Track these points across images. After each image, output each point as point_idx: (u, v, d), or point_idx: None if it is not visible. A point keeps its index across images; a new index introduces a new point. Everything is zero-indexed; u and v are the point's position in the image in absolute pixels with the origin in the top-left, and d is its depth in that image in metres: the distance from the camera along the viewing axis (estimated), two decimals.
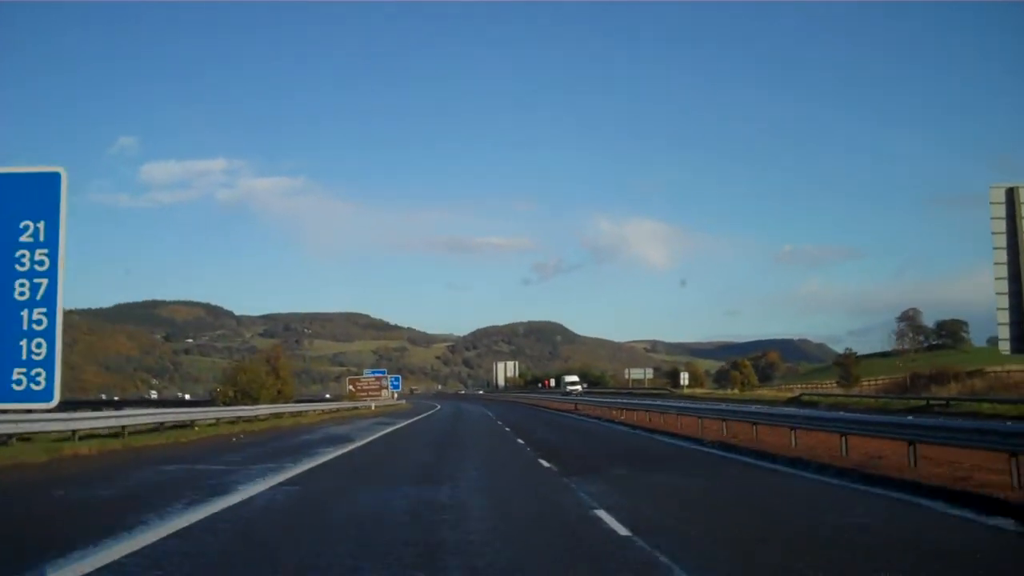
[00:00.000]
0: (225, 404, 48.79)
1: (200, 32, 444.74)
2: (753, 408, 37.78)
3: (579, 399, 68.23)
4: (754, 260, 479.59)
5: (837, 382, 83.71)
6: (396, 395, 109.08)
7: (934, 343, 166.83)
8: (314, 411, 55.06)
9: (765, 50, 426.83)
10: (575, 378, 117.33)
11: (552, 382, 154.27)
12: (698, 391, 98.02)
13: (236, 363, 59.94)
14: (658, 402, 50.40)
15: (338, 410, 63.55)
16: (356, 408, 72.31)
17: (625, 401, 54.61)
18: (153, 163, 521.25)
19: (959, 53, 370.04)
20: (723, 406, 40.41)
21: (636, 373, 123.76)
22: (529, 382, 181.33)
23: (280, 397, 55.47)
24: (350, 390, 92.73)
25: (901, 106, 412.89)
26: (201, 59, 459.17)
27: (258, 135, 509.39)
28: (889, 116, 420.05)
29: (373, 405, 79.15)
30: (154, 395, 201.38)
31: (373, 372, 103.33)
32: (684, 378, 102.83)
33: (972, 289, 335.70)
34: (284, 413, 46.66)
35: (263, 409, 43.42)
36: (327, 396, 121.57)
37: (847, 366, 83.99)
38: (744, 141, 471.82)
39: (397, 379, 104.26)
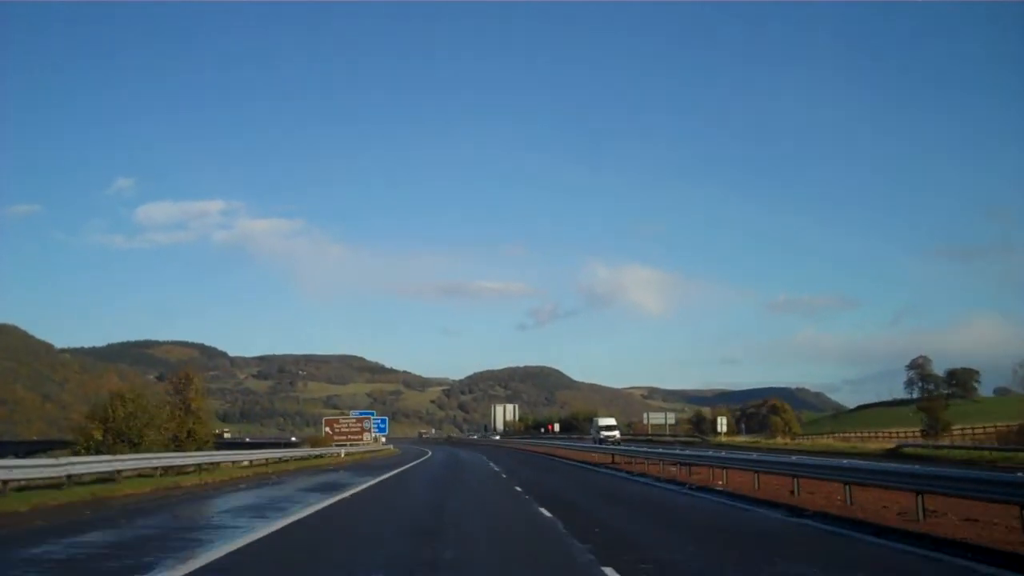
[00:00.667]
0: (86, 451, 29.48)
1: (198, 73, 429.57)
2: (893, 466, 20.59)
3: (615, 449, 48.31)
4: (749, 308, 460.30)
5: (922, 431, 64.10)
6: (384, 439, 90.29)
7: (945, 392, 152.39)
8: (236, 463, 35.24)
9: (761, 98, 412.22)
10: (612, 422, 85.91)
11: (556, 427, 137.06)
12: (738, 439, 78.79)
13: (113, 391, 39.26)
14: (731, 455, 31.35)
15: (284, 460, 43.81)
16: (319, 456, 52.97)
17: (676, 453, 35.81)
18: (150, 204, 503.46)
19: (958, 103, 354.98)
20: (842, 462, 21.94)
21: (656, 418, 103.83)
22: (531, 427, 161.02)
23: (191, 441, 36.01)
24: (326, 432, 75.27)
25: (898, 157, 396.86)
26: (200, 101, 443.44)
27: (256, 177, 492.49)
28: (885, 167, 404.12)
29: (343, 452, 59.95)
30: None
31: (361, 413, 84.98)
32: (721, 424, 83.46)
33: (971, 340, 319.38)
34: (161, 468, 27.04)
35: (108, 463, 23.67)
36: (293, 439, 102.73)
37: (933, 411, 64.53)
38: (739, 189, 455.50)
39: (383, 422, 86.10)
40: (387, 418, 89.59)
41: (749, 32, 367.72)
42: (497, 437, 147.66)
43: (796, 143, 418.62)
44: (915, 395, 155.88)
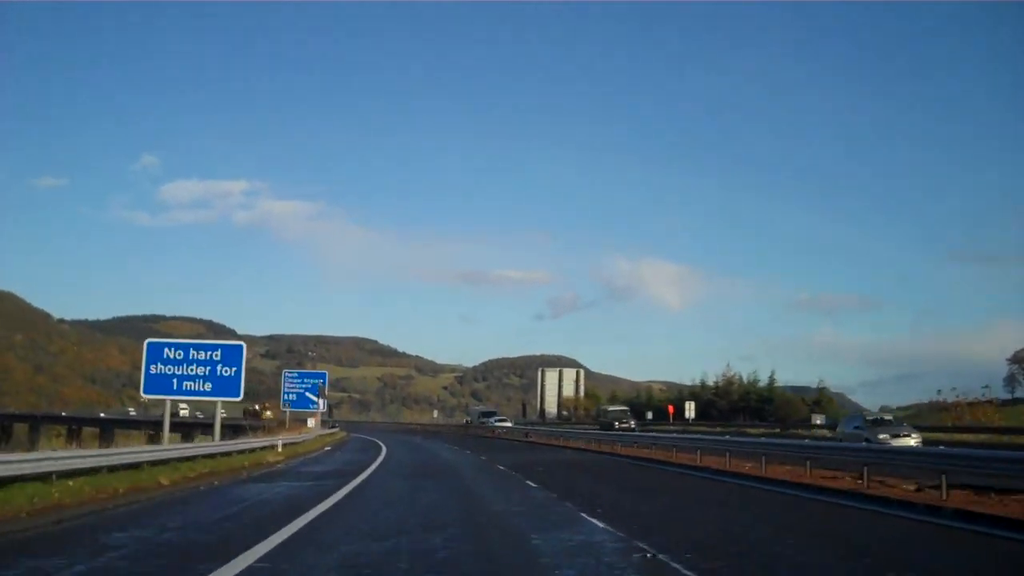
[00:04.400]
0: None
1: (230, 53, 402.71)
2: None
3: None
4: (769, 306, 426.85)
5: None
6: (317, 422, 56.42)
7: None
8: None
9: (788, 98, 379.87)
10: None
11: (691, 411, 69.96)
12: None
13: None
14: None
15: None
16: None
17: None
18: (174, 182, 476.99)
19: (983, 113, 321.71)
20: None
21: None
22: (607, 410, 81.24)
23: None
24: None
25: (922, 160, 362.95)
26: (229, 80, 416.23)
27: (281, 158, 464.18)
28: (910, 169, 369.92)
29: None
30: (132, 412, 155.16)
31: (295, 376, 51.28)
32: None
33: (995, 346, 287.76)
34: None
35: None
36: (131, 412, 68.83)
37: None
38: (764, 187, 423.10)
39: (315, 385, 52.94)
40: (325, 374, 55.39)
41: (773, 30, 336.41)
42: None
43: (820, 143, 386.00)
44: (1016, 393, 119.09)
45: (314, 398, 49.50)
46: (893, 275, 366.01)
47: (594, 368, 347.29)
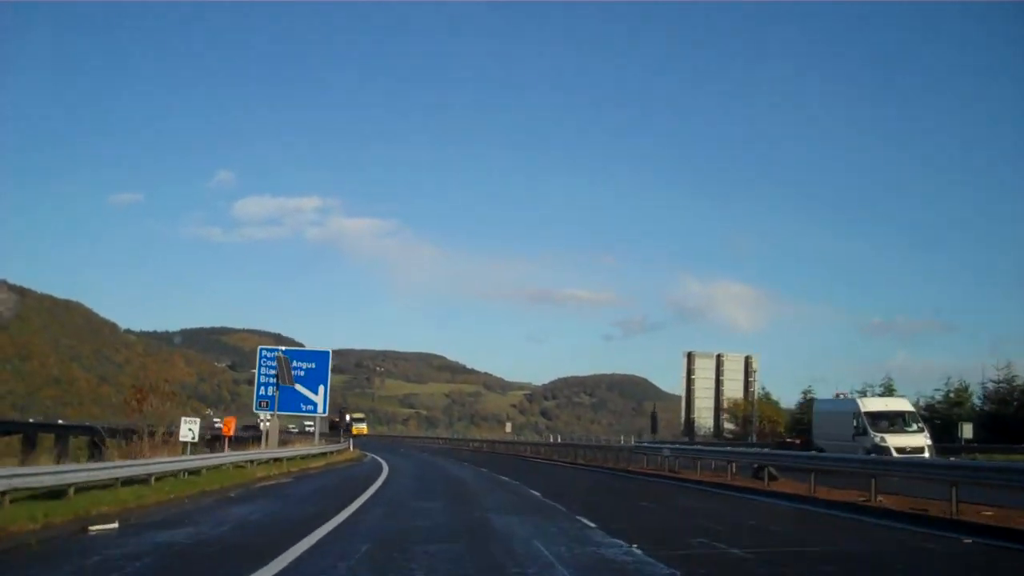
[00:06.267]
0: None
1: (306, 71, 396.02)
2: None
3: None
4: (841, 331, 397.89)
5: None
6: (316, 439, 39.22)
7: None
8: None
9: (864, 123, 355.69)
10: None
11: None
12: None
13: None
14: None
15: None
16: None
17: None
18: (248, 198, 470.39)
19: None
20: None
21: None
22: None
23: None
24: None
25: (997, 181, 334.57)
26: (305, 97, 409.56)
27: (355, 176, 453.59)
28: (983, 193, 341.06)
29: None
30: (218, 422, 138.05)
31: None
32: None
33: None
34: None
35: None
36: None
37: None
38: (836, 211, 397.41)
39: (310, 363, 35.90)
40: (328, 352, 36.87)
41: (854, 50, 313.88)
42: None
43: (892, 170, 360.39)
44: None
45: (307, 392, 31.36)
46: (969, 299, 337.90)
47: (665, 388, 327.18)
